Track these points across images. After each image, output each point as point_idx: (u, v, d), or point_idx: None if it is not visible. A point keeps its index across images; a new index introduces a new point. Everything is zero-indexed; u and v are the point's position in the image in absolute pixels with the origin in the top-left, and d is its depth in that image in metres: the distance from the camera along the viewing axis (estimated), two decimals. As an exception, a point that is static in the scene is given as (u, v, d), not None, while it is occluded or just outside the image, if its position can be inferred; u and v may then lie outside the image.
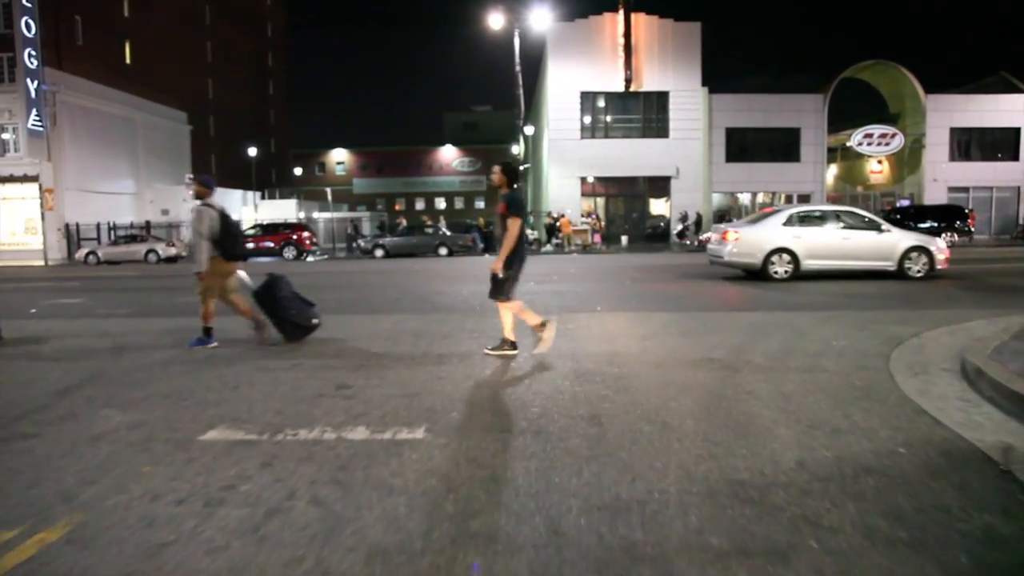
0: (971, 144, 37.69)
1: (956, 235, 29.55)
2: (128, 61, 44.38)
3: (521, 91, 31.01)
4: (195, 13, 54.76)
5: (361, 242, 31.37)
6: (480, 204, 77.16)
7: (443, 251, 29.66)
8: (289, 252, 29.74)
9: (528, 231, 32.45)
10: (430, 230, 30.73)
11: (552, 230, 31.63)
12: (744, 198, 37.40)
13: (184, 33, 51.61)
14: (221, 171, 58.83)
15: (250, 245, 30.18)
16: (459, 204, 78.87)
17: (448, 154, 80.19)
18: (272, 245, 30.06)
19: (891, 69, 37.03)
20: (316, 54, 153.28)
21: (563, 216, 31.34)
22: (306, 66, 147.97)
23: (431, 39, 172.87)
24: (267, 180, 69.84)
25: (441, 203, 79.01)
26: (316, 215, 54.79)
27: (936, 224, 29.45)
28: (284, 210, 52.12)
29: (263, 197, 59.96)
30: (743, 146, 36.34)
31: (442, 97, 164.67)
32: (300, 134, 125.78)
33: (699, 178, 35.60)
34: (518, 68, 30.97)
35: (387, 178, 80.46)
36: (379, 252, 29.73)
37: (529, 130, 38.37)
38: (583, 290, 13.07)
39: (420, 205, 79.92)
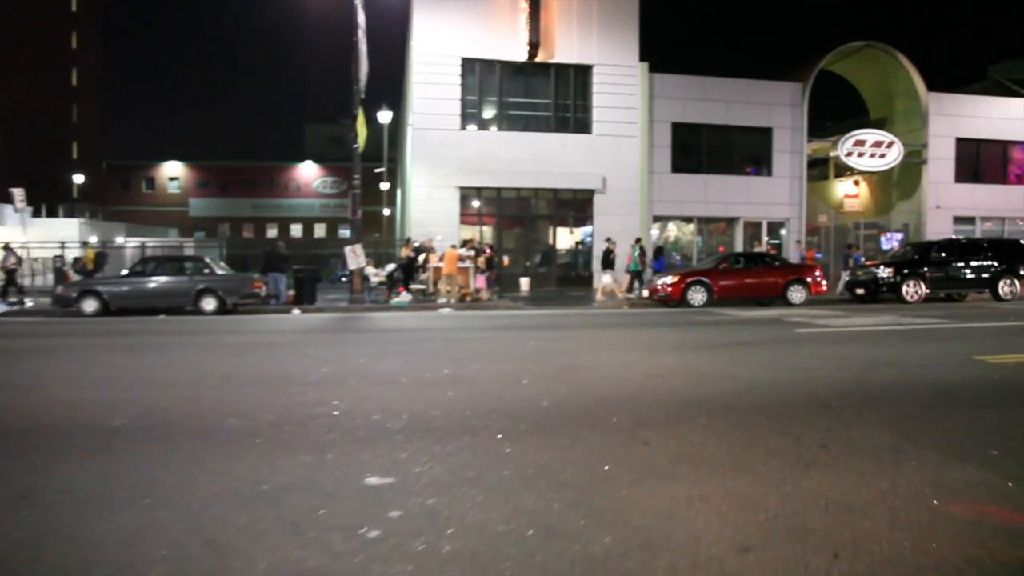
0: (978, 161, 28.42)
1: (1018, 281, 19.31)
2: None
3: (362, 34, 18.60)
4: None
5: (60, 287, 17.72)
6: (345, 232, 63.62)
7: (209, 304, 16.47)
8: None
9: (371, 270, 19.75)
10: (189, 266, 17.38)
11: (410, 269, 19.04)
12: (652, 231, 26.30)
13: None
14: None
15: None
16: (320, 231, 65.06)
17: (308, 172, 66.40)
18: None
19: (883, 57, 27.27)
20: (145, 43, 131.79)
21: (452, 247, 19.06)
22: (130, 57, 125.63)
23: (293, 35, 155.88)
24: (63, 194, 53.63)
25: (298, 230, 64.90)
26: (121, 241, 39.99)
27: (997, 265, 19.09)
28: (63, 232, 37.44)
29: (36, 214, 44.27)
30: (696, 150, 25.31)
31: (304, 107, 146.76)
32: (122, 140, 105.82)
33: (635, 194, 24.16)
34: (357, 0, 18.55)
35: (232, 199, 65.59)
36: (90, 305, 16.21)
37: (385, 116, 25.89)
38: None
39: (272, 232, 65.47)
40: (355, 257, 18.35)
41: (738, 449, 4.15)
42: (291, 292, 18.83)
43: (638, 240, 21.95)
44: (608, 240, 21.03)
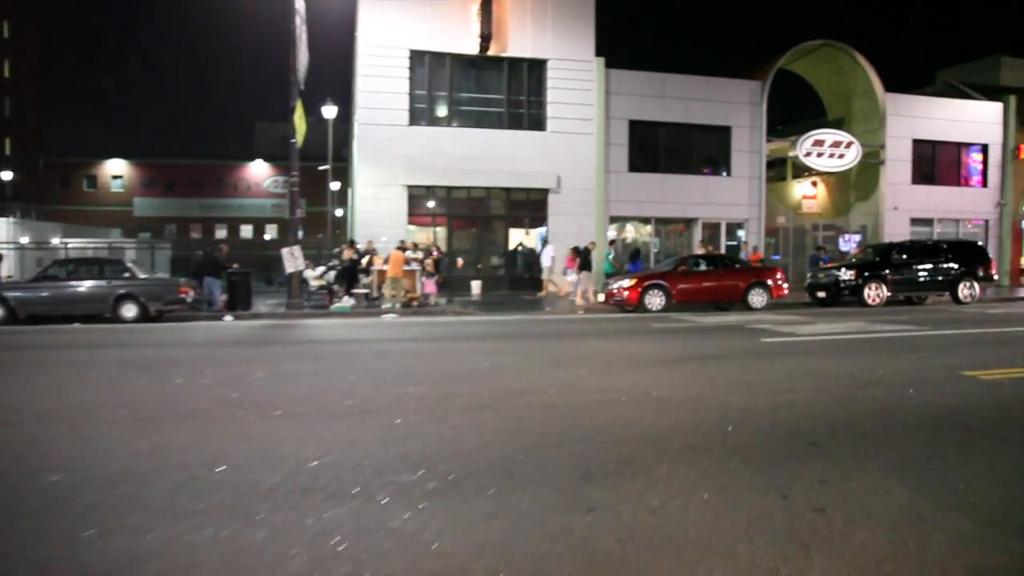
0: (935, 162, 28.26)
1: (977, 283, 18.97)
2: None
3: (300, 22, 17.32)
4: None
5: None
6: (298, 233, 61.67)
7: (130, 311, 15.03)
8: None
9: (310, 273, 18.27)
10: (107, 270, 15.89)
11: (353, 273, 17.75)
12: (609, 232, 25.53)
13: None
14: None
15: None
16: (271, 232, 63.00)
17: (259, 171, 64.25)
18: None
19: (841, 56, 26.89)
20: (88, 35, 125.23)
21: (398, 249, 17.86)
22: (71, 49, 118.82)
23: (245, 31, 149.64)
24: (-3, 193, 50.92)
25: (248, 230, 62.75)
26: (56, 242, 37.61)
27: (957, 268, 18.70)
28: (-13, 233, 34.78)
29: (-39, 214, 41.67)
30: (653, 149, 24.54)
31: (256, 105, 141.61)
32: (62, 137, 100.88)
33: (591, 194, 23.25)
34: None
35: (180, 198, 63.05)
36: (-6, 312, 14.68)
37: (329, 111, 24.61)
38: None
39: (222, 232, 63.11)
40: (293, 260, 17.07)
41: (711, 518, 3.14)
42: (224, 297, 17.44)
43: (612, 242, 21.16)
44: (546, 241, 20.11)
